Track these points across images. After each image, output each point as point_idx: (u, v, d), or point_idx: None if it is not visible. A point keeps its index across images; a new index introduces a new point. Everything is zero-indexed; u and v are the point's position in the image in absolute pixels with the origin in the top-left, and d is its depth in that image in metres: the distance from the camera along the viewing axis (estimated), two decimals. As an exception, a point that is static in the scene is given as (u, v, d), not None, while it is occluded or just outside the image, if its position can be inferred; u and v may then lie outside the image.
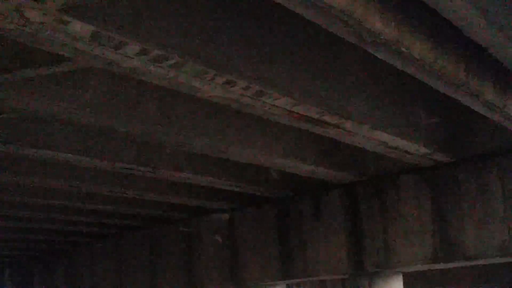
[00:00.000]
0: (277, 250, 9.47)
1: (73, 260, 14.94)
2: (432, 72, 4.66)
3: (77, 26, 3.58)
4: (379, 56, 4.43)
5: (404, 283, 8.71)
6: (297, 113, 5.39)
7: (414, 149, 6.87)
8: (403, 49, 4.22)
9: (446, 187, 7.58)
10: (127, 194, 9.02)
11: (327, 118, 5.61)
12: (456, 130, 7.30)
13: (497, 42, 4.55)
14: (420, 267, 8.27)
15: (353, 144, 6.58)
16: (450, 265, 8.01)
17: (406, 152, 6.95)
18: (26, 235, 13.28)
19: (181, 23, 4.12)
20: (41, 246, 14.97)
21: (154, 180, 8.85)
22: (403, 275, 8.59)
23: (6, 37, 3.72)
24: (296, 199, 9.25)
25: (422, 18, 4.32)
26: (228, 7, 4.44)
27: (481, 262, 7.67)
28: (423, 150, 6.94)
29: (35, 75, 4.67)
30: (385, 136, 6.33)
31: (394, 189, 8.07)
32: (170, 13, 4.06)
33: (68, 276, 15.07)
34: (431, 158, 7.28)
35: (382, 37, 4.01)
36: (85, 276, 14.22)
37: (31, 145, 6.27)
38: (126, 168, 7.31)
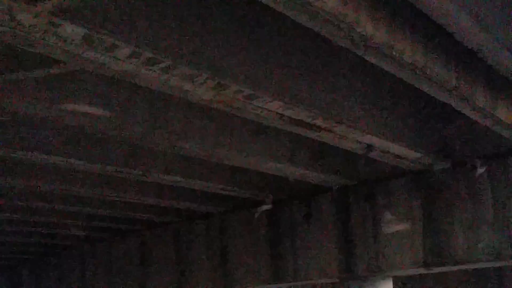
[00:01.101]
0: (267, 254, 9.46)
1: (64, 263, 14.88)
2: (423, 76, 4.67)
3: (69, 29, 3.57)
4: (370, 60, 4.44)
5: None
6: (289, 116, 5.39)
7: (406, 153, 6.88)
8: (395, 53, 4.24)
9: (437, 191, 7.60)
10: (118, 197, 9.00)
11: (318, 122, 5.62)
12: (448, 134, 7.32)
13: (488, 46, 4.57)
14: (410, 272, 8.29)
15: (344, 148, 6.59)
16: (441, 270, 8.02)
17: (397, 156, 6.97)
18: (15, 238, 13.21)
19: (172, 26, 4.12)
20: (31, 249, 14.90)
21: (145, 183, 8.83)
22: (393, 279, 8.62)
23: (-3, 39, 3.71)
24: (287, 203, 9.25)
25: (413, 23, 4.34)
26: (219, 11, 4.44)
27: (471, 266, 7.69)
28: (414, 154, 6.95)
29: (26, 77, 4.65)
30: (377, 140, 6.34)
31: (385, 194, 8.08)
32: (161, 16, 4.06)
33: (58, 280, 15.01)
34: (423, 162, 7.29)
35: (373, 41, 4.02)
36: (75, 280, 14.16)
37: (22, 148, 6.24)
38: (117, 171, 7.29)
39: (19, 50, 4.30)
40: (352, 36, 3.94)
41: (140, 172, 7.41)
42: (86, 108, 5.22)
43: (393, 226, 7.91)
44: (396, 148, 6.66)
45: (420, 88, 5.07)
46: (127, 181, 8.67)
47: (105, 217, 11.23)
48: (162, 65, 4.14)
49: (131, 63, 4.06)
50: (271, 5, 3.57)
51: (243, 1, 4.58)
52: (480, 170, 7.07)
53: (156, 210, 10.58)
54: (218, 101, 4.88)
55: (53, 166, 7.41)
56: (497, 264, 7.50)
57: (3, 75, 4.50)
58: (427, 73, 4.61)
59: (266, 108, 5.14)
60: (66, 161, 6.72)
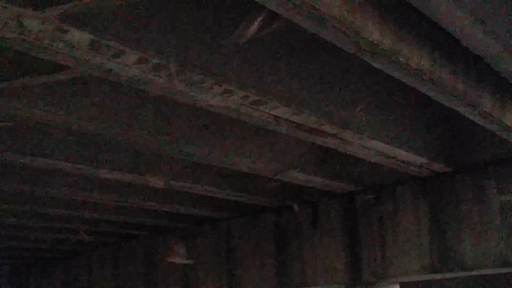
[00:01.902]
0: (274, 259, 9.46)
1: (70, 268, 14.90)
2: (430, 82, 4.66)
3: (76, 35, 3.58)
4: (376, 66, 4.44)
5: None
6: (295, 122, 5.39)
7: (412, 159, 6.87)
8: (401, 59, 4.23)
9: (444, 197, 7.58)
10: (124, 202, 9.01)
11: (325, 127, 5.61)
12: (454, 140, 7.30)
13: (495, 52, 4.56)
14: (417, 278, 8.26)
15: (351, 153, 6.58)
16: (447, 275, 8.00)
17: (404, 162, 6.96)
18: (23, 243, 13.24)
19: (179, 32, 4.13)
20: (38, 254, 14.92)
21: (152, 189, 8.84)
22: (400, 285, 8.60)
23: (4, 45, 3.72)
24: (294, 209, 9.24)
25: (420, 28, 4.33)
26: (226, 16, 4.44)
27: (478, 272, 7.66)
28: (421, 160, 6.94)
29: (33, 83, 4.67)
30: (383, 146, 6.33)
31: (391, 199, 8.07)
32: (168, 22, 4.07)
33: (64, 285, 15.02)
34: (429, 168, 7.28)
35: (380, 47, 4.02)
36: (82, 285, 14.17)
37: (29, 153, 6.26)
38: (124, 177, 7.29)
39: (27, 56, 4.32)
40: (359, 42, 3.94)
41: (147, 178, 7.42)
42: (93, 114, 5.23)
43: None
44: (402, 154, 6.65)
45: (427, 94, 5.07)
46: (134, 187, 8.68)
47: (112, 222, 11.24)
48: (169, 71, 4.15)
49: (138, 69, 4.07)
50: (277, 11, 3.57)
51: (251, 7, 4.58)
52: None
53: (163, 215, 10.59)
54: (225, 106, 4.88)
55: (59, 171, 7.42)
56: (505, 270, 7.46)
57: (11, 81, 4.52)
58: (434, 79, 4.60)
59: (272, 114, 5.14)
60: (73, 166, 6.73)
